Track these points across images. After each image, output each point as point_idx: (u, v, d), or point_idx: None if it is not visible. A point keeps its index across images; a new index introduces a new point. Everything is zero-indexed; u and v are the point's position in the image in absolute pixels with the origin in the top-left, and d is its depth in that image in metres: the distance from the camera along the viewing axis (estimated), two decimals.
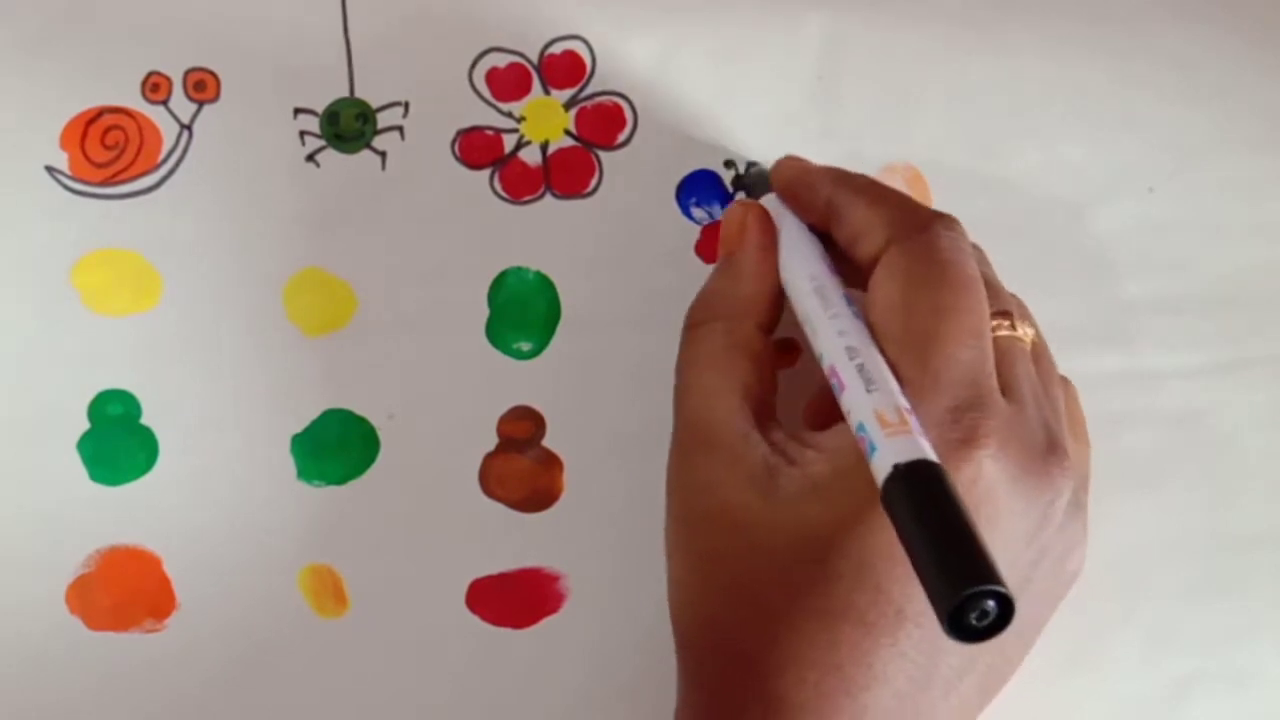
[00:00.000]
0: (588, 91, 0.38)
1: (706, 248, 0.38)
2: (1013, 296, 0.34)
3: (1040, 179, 0.39)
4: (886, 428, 0.26)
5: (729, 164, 0.38)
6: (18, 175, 0.36)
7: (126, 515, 0.35)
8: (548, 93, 0.38)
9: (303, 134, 0.37)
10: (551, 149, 0.38)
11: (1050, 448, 0.30)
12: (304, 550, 0.36)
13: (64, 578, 0.35)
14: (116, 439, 0.35)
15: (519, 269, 0.37)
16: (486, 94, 0.37)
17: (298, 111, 0.37)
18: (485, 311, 0.37)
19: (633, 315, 0.37)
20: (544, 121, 0.37)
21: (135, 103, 0.36)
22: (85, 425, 0.35)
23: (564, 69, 0.38)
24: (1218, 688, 0.38)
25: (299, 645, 0.35)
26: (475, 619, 0.36)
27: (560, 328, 0.37)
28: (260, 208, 0.36)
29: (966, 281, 0.29)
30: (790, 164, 0.35)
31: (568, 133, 0.38)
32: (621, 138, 0.38)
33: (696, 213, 0.38)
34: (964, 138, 0.39)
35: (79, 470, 0.35)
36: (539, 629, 0.36)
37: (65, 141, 0.36)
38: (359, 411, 0.36)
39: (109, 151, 0.36)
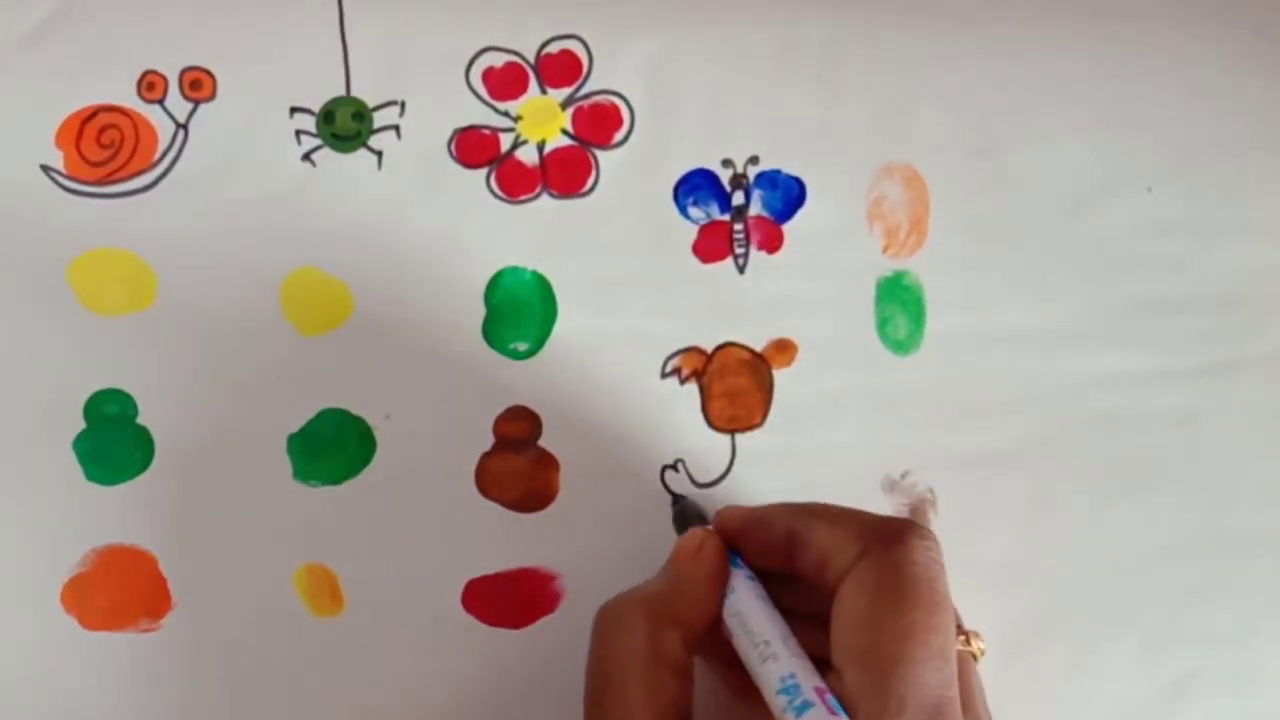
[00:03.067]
0: (585, 91, 0.38)
1: (704, 247, 0.38)
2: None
3: (1039, 179, 0.39)
4: None
5: (726, 163, 0.38)
6: (13, 174, 0.35)
7: (122, 515, 0.35)
8: (544, 92, 0.38)
9: (299, 133, 0.37)
10: (548, 148, 0.37)
11: None
12: (300, 550, 0.36)
13: (60, 577, 0.35)
14: (112, 438, 0.35)
15: (515, 269, 0.37)
16: (483, 93, 0.37)
17: (294, 110, 0.37)
18: (482, 311, 0.37)
19: (630, 315, 0.37)
20: (541, 121, 0.37)
21: (131, 101, 0.36)
22: (81, 424, 0.35)
23: (561, 68, 0.38)
24: (1216, 688, 0.38)
25: (295, 644, 0.35)
26: (471, 619, 0.36)
27: (556, 328, 0.37)
28: (256, 207, 0.36)
29: (938, 600, 0.28)
30: (733, 513, 0.33)
31: (564, 132, 0.38)
32: (618, 137, 0.38)
33: (694, 212, 0.38)
34: (963, 138, 0.39)
35: (75, 469, 0.35)
36: (535, 629, 0.36)
37: (60, 140, 0.36)
38: (355, 411, 0.36)
39: (105, 150, 0.36)
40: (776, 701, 0.29)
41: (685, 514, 0.35)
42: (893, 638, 0.28)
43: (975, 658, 0.32)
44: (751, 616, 0.31)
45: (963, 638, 0.31)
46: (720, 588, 0.31)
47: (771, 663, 0.30)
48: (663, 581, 0.32)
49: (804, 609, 0.31)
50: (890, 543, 0.29)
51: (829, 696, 0.28)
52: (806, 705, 0.28)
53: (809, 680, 0.29)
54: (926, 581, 0.29)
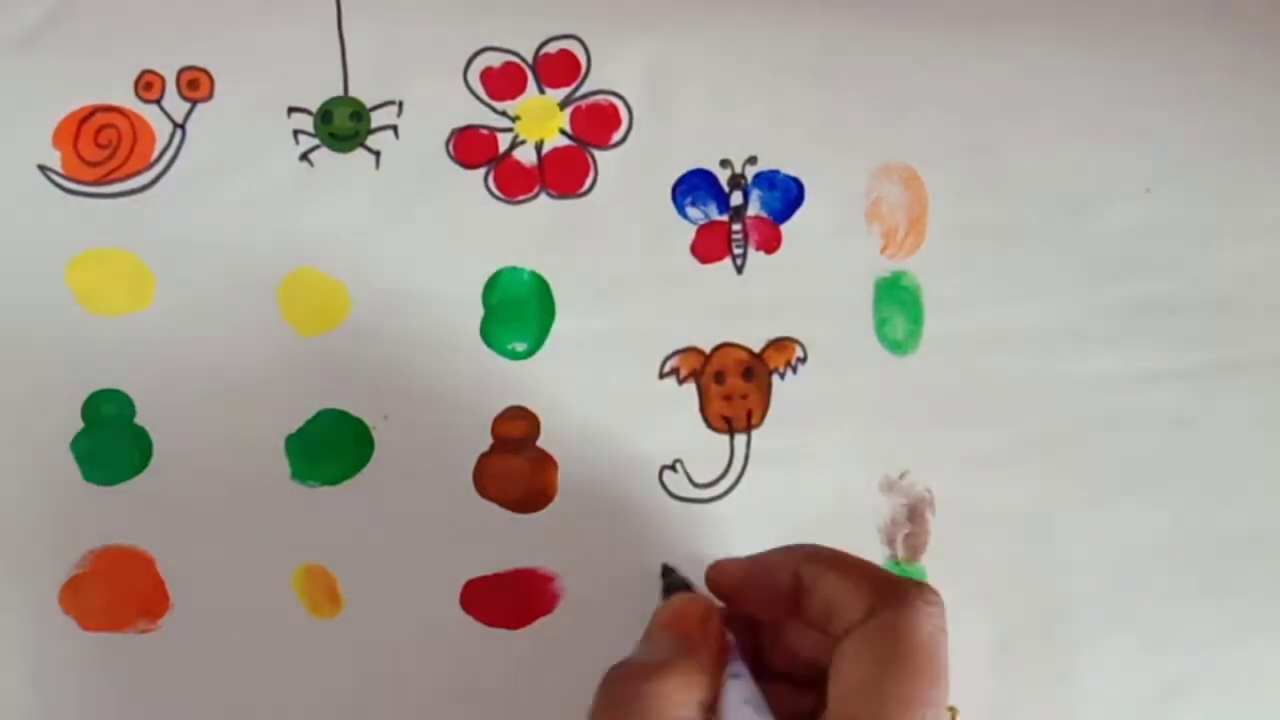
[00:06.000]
0: (583, 91, 0.38)
1: (702, 247, 0.38)
2: None
3: (1038, 180, 0.39)
4: None
5: (725, 162, 0.38)
6: (11, 174, 0.35)
7: (120, 515, 0.35)
8: (543, 92, 0.38)
9: (297, 133, 0.37)
10: (546, 148, 0.37)
11: None
12: (298, 550, 0.36)
13: (58, 578, 0.35)
14: (110, 439, 0.35)
15: (513, 269, 0.37)
16: (481, 93, 0.37)
17: (292, 110, 0.37)
18: (480, 311, 0.37)
19: (628, 315, 0.37)
20: (539, 121, 0.37)
21: (128, 101, 0.36)
22: (79, 425, 0.35)
23: (559, 68, 0.37)
24: (1214, 688, 0.39)
25: (293, 645, 0.35)
26: (469, 619, 0.36)
27: (555, 328, 0.37)
28: (254, 207, 0.36)
29: (940, 671, 0.28)
30: (730, 566, 0.32)
31: (563, 132, 0.37)
32: (616, 137, 0.38)
33: (692, 212, 0.38)
34: (962, 139, 0.39)
35: (73, 470, 0.35)
36: (533, 629, 0.36)
37: (58, 140, 0.36)
38: (353, 412, 0.36)
39: (102, 150, 0.36)
40: None
41: (675, 586, 0.33)
42: (895, 709, 0.27)
43: None
44: None
45: (950, 714, 0.31)
46: (725, 664, 0.30)
47: None
48: (675, 648, 0.30)
49: (790, 668, 0.31)
50: (898, 606, 0.29)
51: None
52: None
53: None
54: (930, 652, 0.28)
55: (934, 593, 0.29)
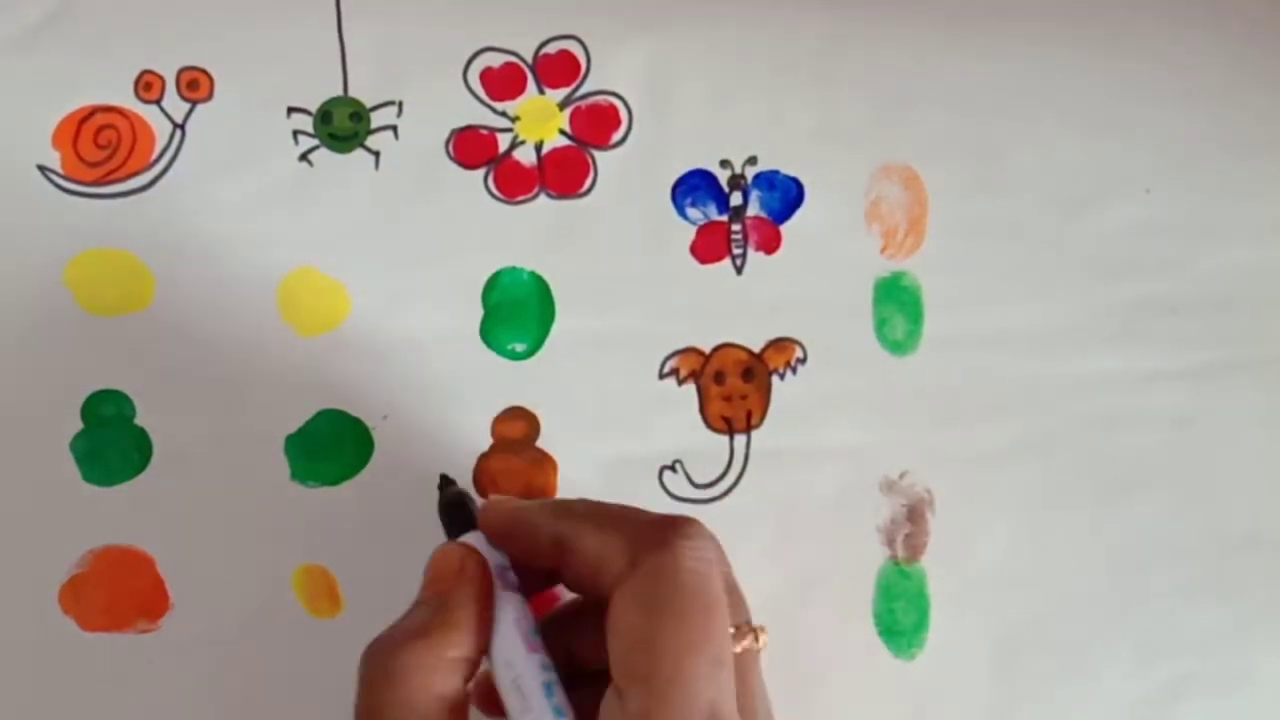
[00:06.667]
0: (582, 91, 0.38)
1: (702, 247, 0.38)
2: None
3: (1037, 180, 0.39)
4: None
5: (725, 162, 0.38)
6: (10, 174, 0.35)
7: (120, 516, 0.35)
8: (542, 92, 0.37)
9: (296, 133, 0.37)
10: (546, 149, 0.37)
11: None
12: (297, 551, 0.36)
13: (57, 578, 0.35)
14: (110, 439, 0.35)
15: (513, 269, 0.37)
16: (481, 93, 0.37)
17: (291, 110, 0.37)
18: (479, 312, 0.37)
19: (628, 316, 0.37)
20: (538, 121, 0.37)
21: (128, 102, 0.36)
22: (78, 425, 0.35)
23: (559, 68, 0.37)
24: (1211, 689, 0.38)
25: (292, 645, 0.35)
26: None
27: (554, 328, 0.37)
28: (254, 207, 0.36)
29: (710, 606, 0.28)
30: (500, 508, 0.31)
31: (562, 132, 0.37)
32: (616, 137, 0.38)
33: (691, 213, 0.38)
34: (961, 139, 0.39)
35: (72, 471, 0.35)
36: None
37: (58, 141, 0.36)
38: (353, 412, 0.36)
39: (102, 151, 0.36)
40: None
41: (452, 507, 0.33)
42: (671, 656, 0.27)
43: (757, 650, 0.30)
44: (507, 669, 0.29)
45: (750, 635, 0.30)
46: (491, 607, 0.30)
47: None
48: (429, 611, 0.30)
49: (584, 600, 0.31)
50: (658, 550, 0.28)
51: None
52: None
53: None
54: (696, 589, 0.28)
55: (692, 525, 0.29)
